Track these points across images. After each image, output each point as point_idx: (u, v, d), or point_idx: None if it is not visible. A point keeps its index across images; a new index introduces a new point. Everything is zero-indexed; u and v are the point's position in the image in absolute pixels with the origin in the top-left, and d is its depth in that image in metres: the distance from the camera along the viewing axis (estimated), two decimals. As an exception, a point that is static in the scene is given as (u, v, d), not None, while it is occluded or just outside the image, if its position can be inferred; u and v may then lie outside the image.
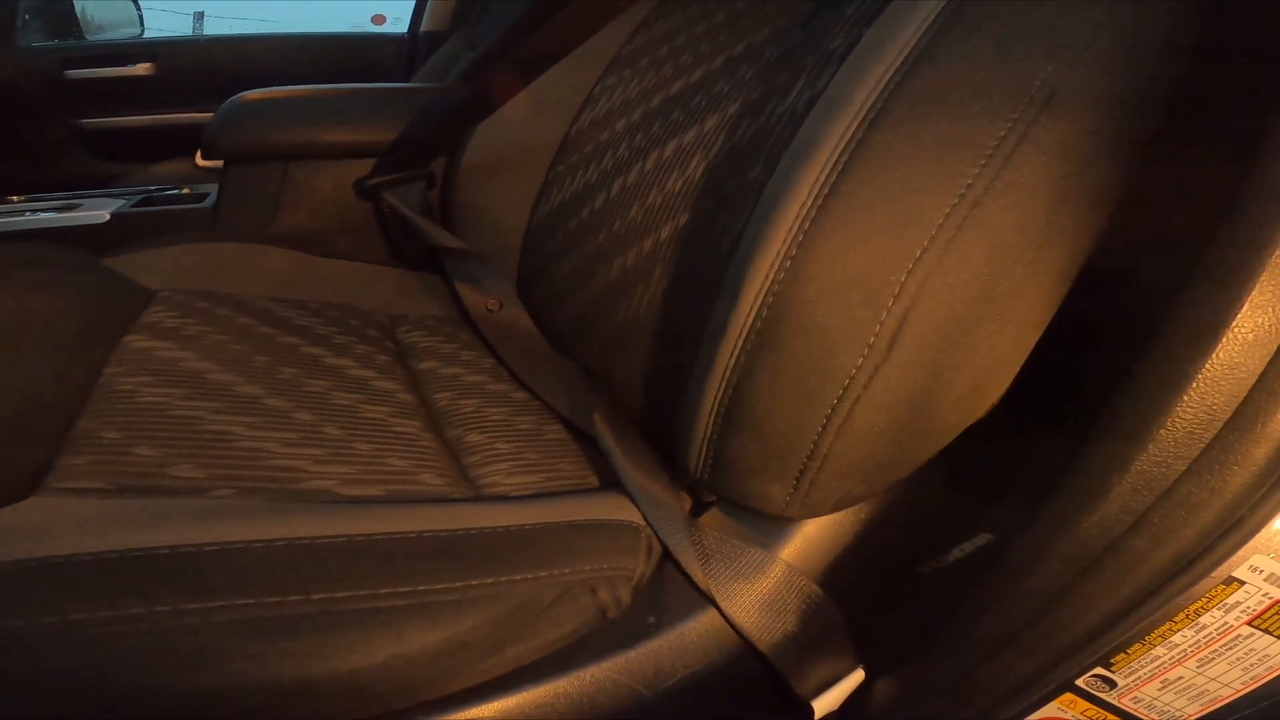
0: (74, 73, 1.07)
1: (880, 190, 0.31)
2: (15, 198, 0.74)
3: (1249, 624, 0.31)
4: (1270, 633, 0.31)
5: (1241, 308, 0.28)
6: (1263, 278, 0.28)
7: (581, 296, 0.58)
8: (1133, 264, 0.45)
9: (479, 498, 0.42)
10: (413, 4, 1.41)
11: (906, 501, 0.46)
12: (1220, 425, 0.29)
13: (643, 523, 0.40)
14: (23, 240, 0.66)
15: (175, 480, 0.37)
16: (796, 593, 0.39)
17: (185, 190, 0.80)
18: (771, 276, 0.33)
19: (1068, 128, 0.30)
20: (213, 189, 0.78)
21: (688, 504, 0.43)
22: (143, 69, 1.09)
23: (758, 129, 0.46)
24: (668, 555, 0.40)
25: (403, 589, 0.33)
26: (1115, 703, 0.35)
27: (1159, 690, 0.34)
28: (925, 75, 0.32)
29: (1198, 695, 0.33)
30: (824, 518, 0.41)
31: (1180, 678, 0.33)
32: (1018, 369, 0.38)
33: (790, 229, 0.33)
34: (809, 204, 0.32)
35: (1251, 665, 0.32)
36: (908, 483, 0.43)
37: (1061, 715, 0.36)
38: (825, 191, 0.32)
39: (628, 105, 0.64)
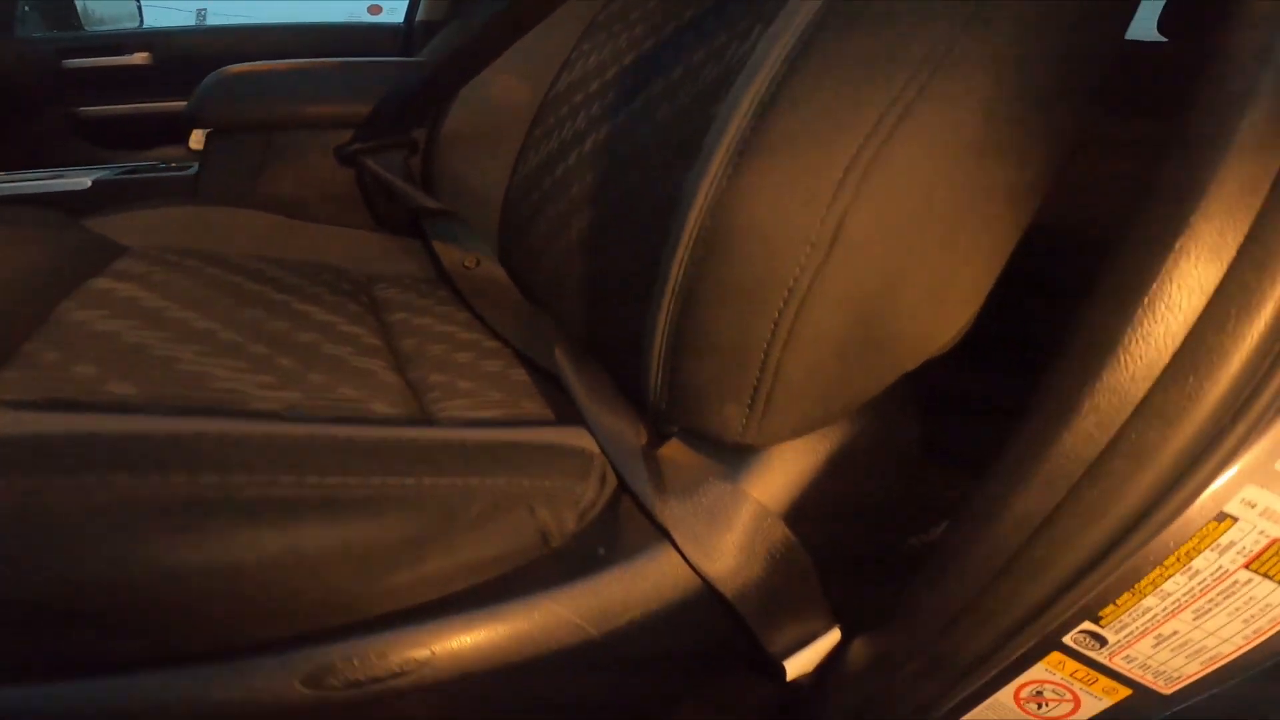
0: (71, 62, 1.07)
1: (816, 99, 0.31)
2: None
3: (1246, 568, 0.28)
4: (1270, 578, 0.28)
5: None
6: (1222, 170, 0.26)
7: (555, 251, 0.57)
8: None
9: (431, 423, 0.40)
10: (409, -6, 1.40)
11: (887, 449, 0.43)
12: (1189, 328, 0.27)
13: (598, 453, 0.38)
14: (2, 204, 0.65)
15: (109, 396, 0.35)
16: (765, 535, 0.37)
17: (172, 164, 0.79)
18: (715, 184, 0.32)
19: (995, 39, 0.29)
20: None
21: (646, 438, 0.41)
22: (140, 58, 1.09)
23: (720, 71, 0.45)
24: (624, 488, 0.38)
25: (309, 479, 0.31)
26: (1106, 662, 0.32)
27: (1153, 647, 0.31)
28: None
29: (1196, 652, 0.30)
30: (794, 456, 0.38)
31: (1175, 632, 0.30)
32: (977, 302, 0.36)
33: (732, 139, 0.32)
34: (749, 117, 0.32)
35: (1252, 616, 0.29)
36: (888, 432, 0.41)
37: (1049, 678, 0.33)
38: (767, 101, 0.32)
39: (603, 66, 0.64)
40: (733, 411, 0.34)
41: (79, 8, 1.21)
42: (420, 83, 0.74)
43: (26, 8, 1.13)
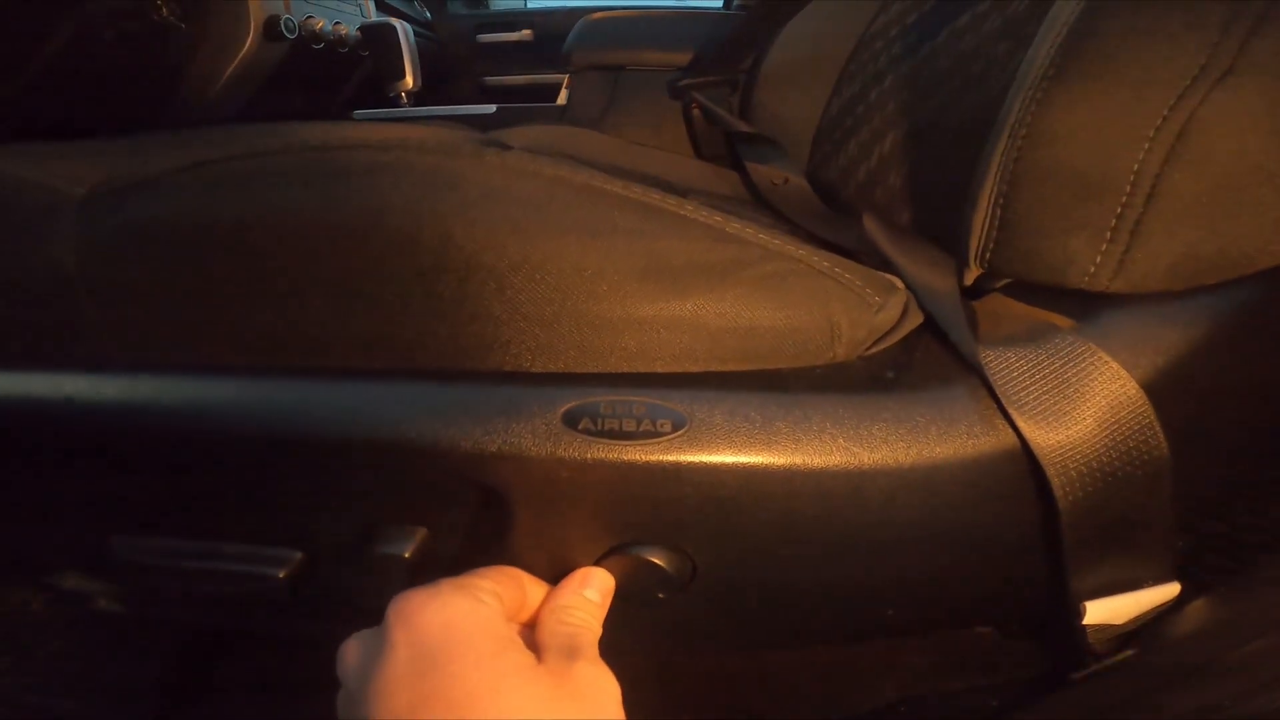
0: (483, 36, 1.30)
1: None
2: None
3: None
4: None
5: None
6: None
7: (867, 164, 0.56)
8: None
9: None
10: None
11: None
12: None
13: (904, 288, 0.34)
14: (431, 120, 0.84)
15: None
16: (1125, 414, 0.27)
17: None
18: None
19: None
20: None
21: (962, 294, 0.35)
22: (525, 34, 1.29)
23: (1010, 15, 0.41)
24: (929, 326, 0.32)
25: (633, 189, 0.30)
26: None
27: None
28: None
29: None
30: (1159, 321, 0.29)
31: None
32: None
33: None
34: None
35: None
36: None
37: None
38: None
39: (920, 2, 0.61)
40: (1081, 245, 0.28)
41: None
42: (741, 29, 0.78)
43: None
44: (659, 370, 0.29)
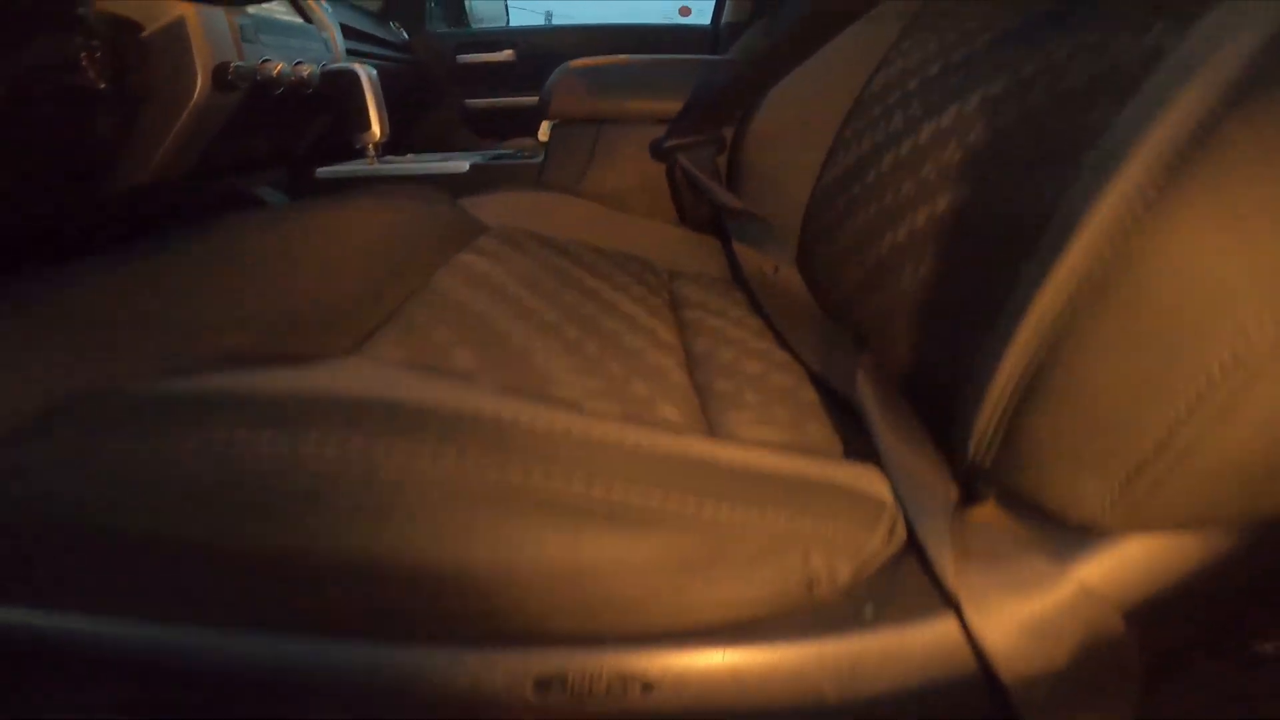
0: (464, 57, 1.22)
1: None
2: (409, 156, 0.88)
3: None
4: None
5: None
6: None
7: (862, 263, 0.52)
8: None
9: (714, 434, 0.38)
10: (715, -2, 1.40)
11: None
12: None
13: (891, 500, 0.32)
14: (400, 181, 0.78)
15: (453, 365, 0.38)
16: (1085, 624, 0.28)
17: (526, 153, 0.88)
18: (1126, 204, 0.25)
19: None
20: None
21: (955, 493, 0.33)
22: (506, 55, 1.22)
23: (1103, 68, 0.37)
24: (914, 544, 0.31)
25: (595, 490, 0.28)
26: None
27: None
28: None
29: None
30: (1153, 550, 0.28)
31: None
32: None
33: (1160, 152, 0.25)
34: (1189, 128, 0.25)
35: None
36: None
37: None
38: (1222, 109, 0.24)
39: (925, 63, 0.56)
40: (1092, 487, 0.26)
41: (466, 7, 1.38)
42: (731, 80, 0.72)
43: (433, 4, 1.29)
44: (630, 636, 0.28)
